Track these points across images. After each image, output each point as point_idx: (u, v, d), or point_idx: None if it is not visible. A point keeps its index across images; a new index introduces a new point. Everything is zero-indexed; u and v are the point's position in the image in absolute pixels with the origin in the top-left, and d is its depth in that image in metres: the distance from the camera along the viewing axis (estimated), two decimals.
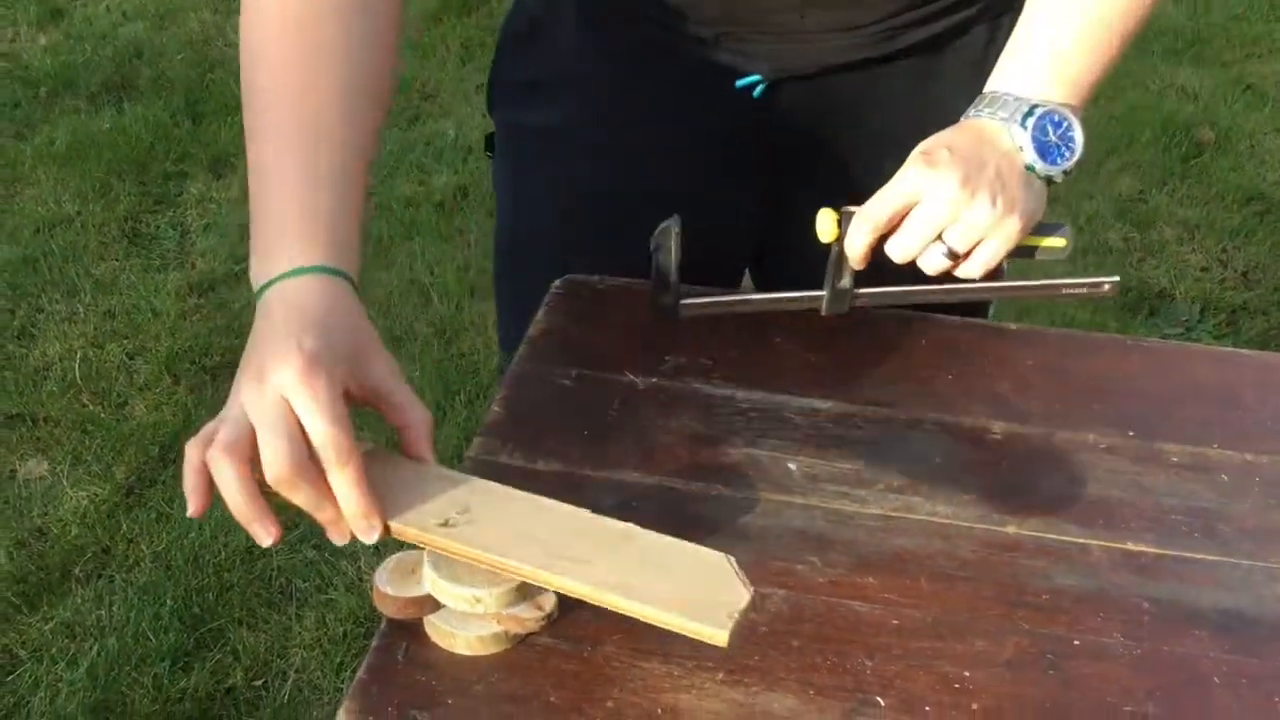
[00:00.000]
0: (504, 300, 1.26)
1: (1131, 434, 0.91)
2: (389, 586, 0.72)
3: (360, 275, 0.80)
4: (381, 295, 2.59)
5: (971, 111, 0.93)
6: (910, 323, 1.03)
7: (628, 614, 0.68)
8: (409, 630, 0.74)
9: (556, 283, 1.07)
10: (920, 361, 0.98)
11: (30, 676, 1.79)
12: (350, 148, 0.82)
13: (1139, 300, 2.67)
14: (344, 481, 0.69)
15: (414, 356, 2.43)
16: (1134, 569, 0.80)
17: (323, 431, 0.68)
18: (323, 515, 0.70)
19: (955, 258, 0.89)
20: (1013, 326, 1.03)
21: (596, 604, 0.69)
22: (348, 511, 0.69)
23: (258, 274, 0.77)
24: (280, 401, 0.68)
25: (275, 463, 0.67)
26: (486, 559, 0.69)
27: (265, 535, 0.69)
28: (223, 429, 0.69)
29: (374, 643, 0.73)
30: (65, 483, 2.12)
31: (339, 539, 0.71)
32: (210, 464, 0.68)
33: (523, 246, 1.20)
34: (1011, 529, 0.83)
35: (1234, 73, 3.57)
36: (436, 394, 2.33)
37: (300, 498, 0.69)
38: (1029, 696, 0.71)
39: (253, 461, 0.68)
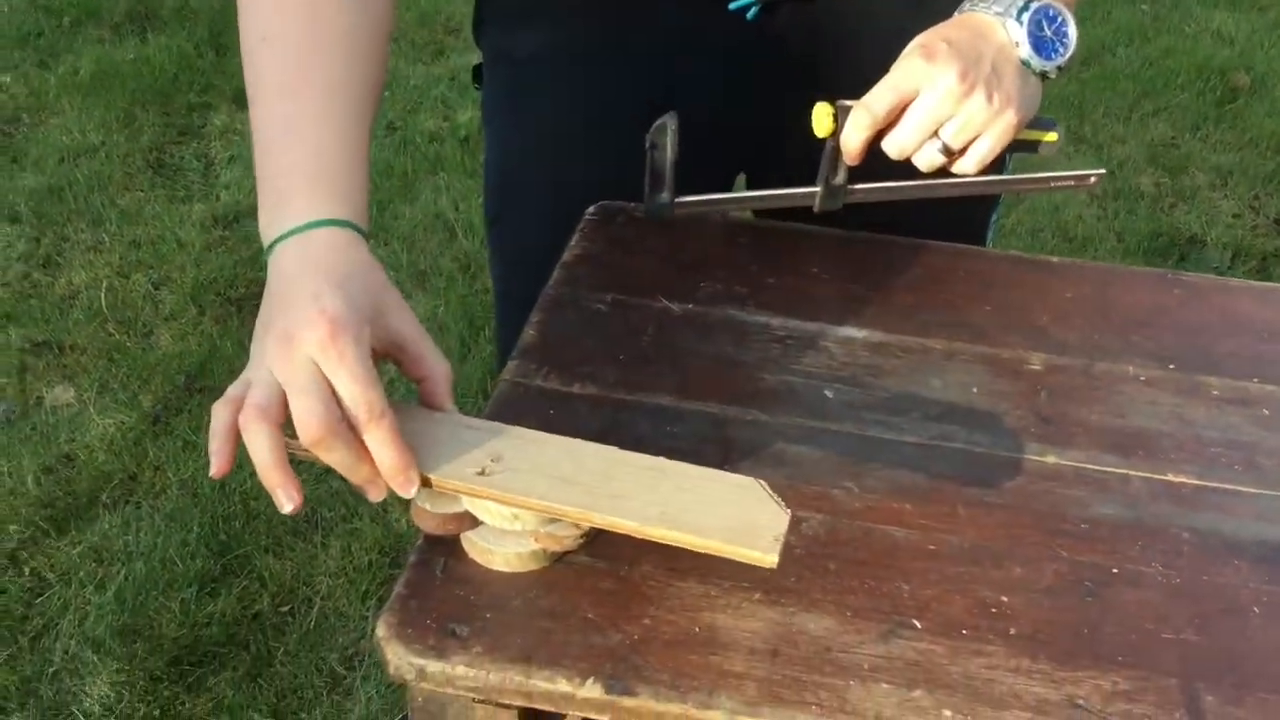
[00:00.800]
0: (500, 247, 1.21)
1: (1172, 367, 0.90)
2: (427, 503, 0.72)
3: (370, 225, 0.80)
4: (406, 229, 2.58)
5: (966, 5, 0.91)
6: (948, 255, 1.02)
7: (674, 544, 0.68)
8: (446, 546, 0.74)
9: (591, 209, 1.06)
10: (958, 293, 0.97)
11: (59, 599, 1.81)
12: (357, 103, 0.81)
13: (1169, 246, 2.64)
14: (379, 440, 0.68)
15: (439, 291, 2.43)
16: (1174, 500, 0.79)
17: (355, 392, 0.67)
18: (358, 475, 0.69)
19: (950, 154, 0.87)
20: (1053, 260, 1.02)
21: (642, 538, 0.68)
22: (384, 468, 0.69)
23: (268, 227, 0.75)
24: (309, 364, 0.67)
25: (310, 425, 0.66)
26: (530, 504, 0.69)
27: (287, 501, 0.68)
28: (253, 392, 0.68)
29: (411, 558, 0.73)
30: (92, 410, 2.14)
31: (376, 495, 0.70)
32: (243, 427, 0.67)
33: (514, 184, 1.18)
34: (1050, 459, 0.82)
35: (1271, 16, 3.51)
36: (461, 329, 2.33)
37: (335, 458, 0.68)
38: (1066, 622, 0.71)
39: (283, 425, 0.68)
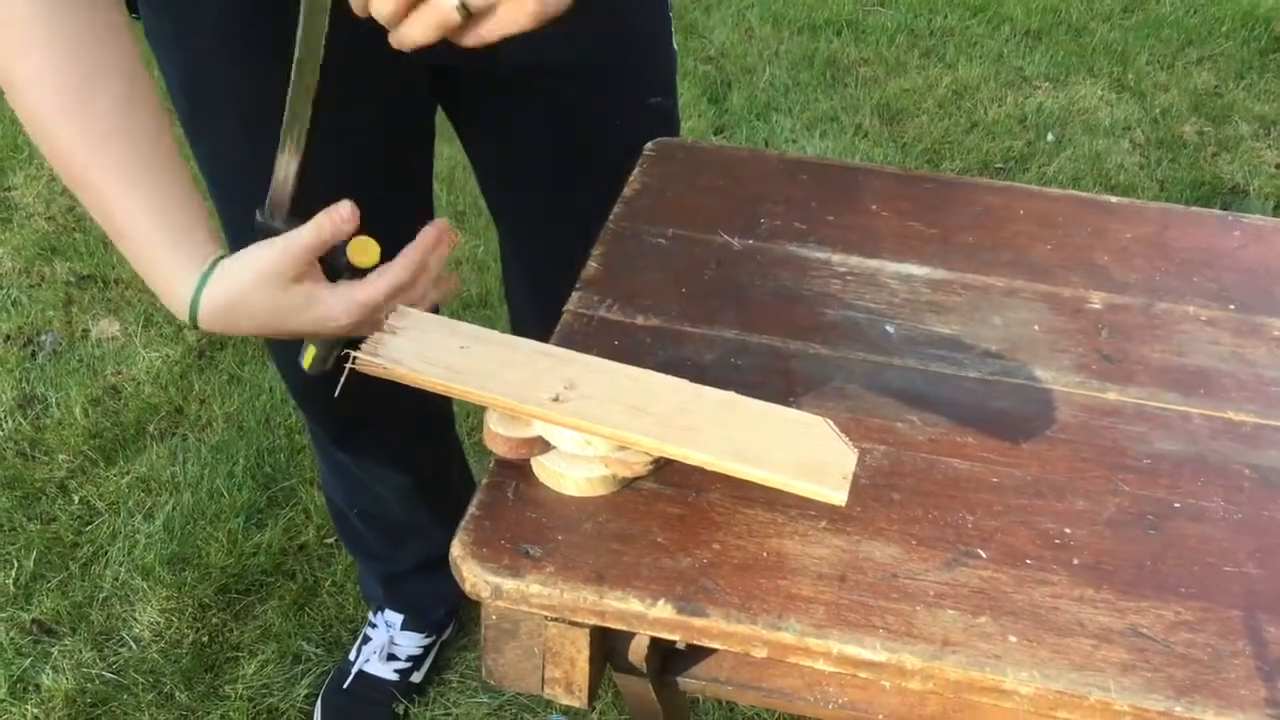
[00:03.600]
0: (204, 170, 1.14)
1: (1232, 307, 0.91)
2: (500, 426, 0.73)
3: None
4: (445, 169, 2.59)
5: None
6: (1007, 194, 1.02)
7: (743, 479, 0.69)
8: (518, 470, 0.75)
9: (649, 145, 1.06)
10: (1018, 232, 0.98)
11: (108, 528, 1.85)
12: (168, 160, 0.86)
13: (1211, 195, 2.62)
14: None
15: (478, 231, 2.44)
16: (1235, 437, 0.80)
17: None
18: None
19: (468, 14, 0.72)
20: (1112, 199, 1.02)
21: (712, 470, 0.70)
22: None
23: (179, 292, 0.85)
24: None
25: None
26: (604, 432, 0.70)
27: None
28: None
29: (483, 480, 0.75)
30: (137, 343, 2.16)
31: None
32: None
33: (203, 107, 1.07)
34: (1111, 395, 0.83)
35: None
36: (499, 269, 2.33)
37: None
38: (1129, 554, 0.72)
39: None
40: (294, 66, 0.80)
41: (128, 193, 0.83)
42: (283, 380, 1.32)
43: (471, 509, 0.73)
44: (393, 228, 0.86)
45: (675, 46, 1.18)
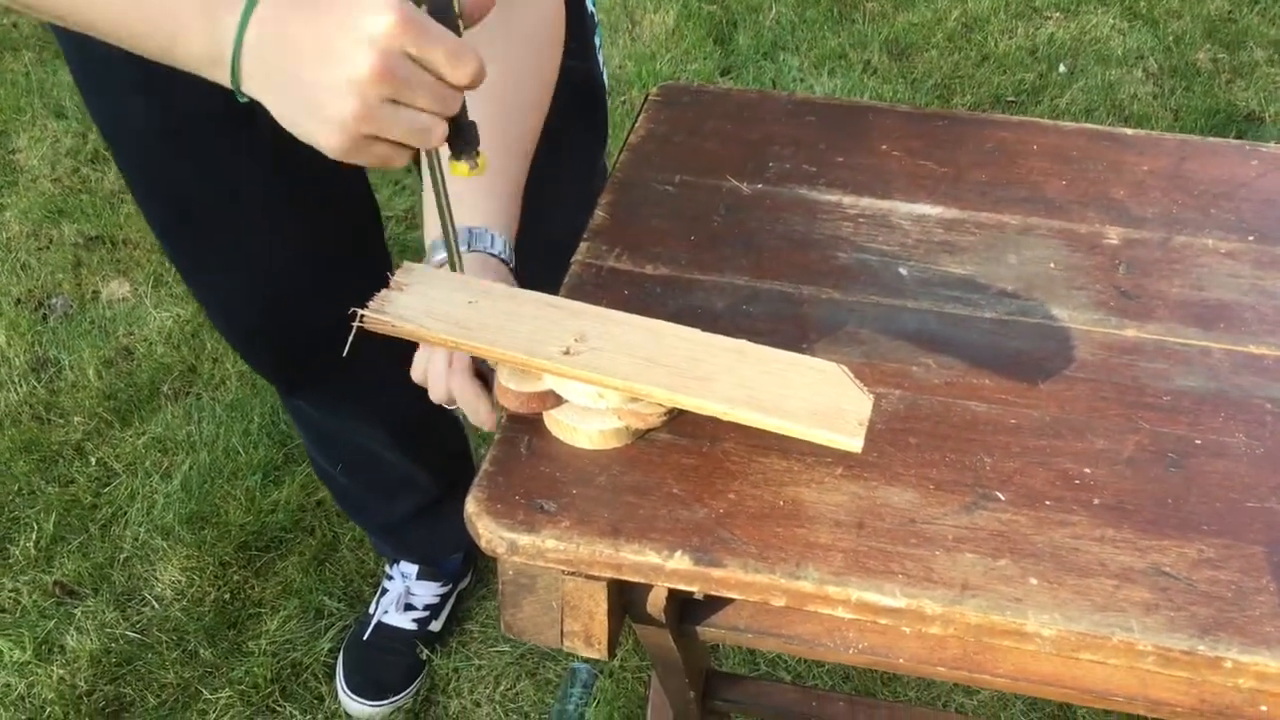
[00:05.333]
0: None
1: (1252, 238, 0.89)
2: (511, 381, 0.73)
3: None
4: None
5: None
6: (1019, 129, 1.00)
7: (759, 427, 0.68)
8: (530, 425, 0.74)
9: (654, 89, 1.05)
10: (1031, 168, 0.96)
11: (126, 489, 1.85)
12: None
13: (1226, 123, 2.58)
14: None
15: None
16: (1256, 371, 0.79)
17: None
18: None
19: None
20: (1127, 132, 1.00)
21: (727, 419, 0.69)
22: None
23: (214, 33, 0.66)
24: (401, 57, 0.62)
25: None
26: (616, 385, 0.69)
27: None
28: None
29: (496, 435, 0.74)
30: (148, 303, 2.16)
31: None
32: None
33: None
34: (1130, 332, 0.82)
35: None
36: None
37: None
38: (1151, 493, 0.71)
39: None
40: None
41: None
42: (224, 336, 1.28)
43: (485, 465, 0.72)
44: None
45: (593, 7, 1.14)
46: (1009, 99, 2.68)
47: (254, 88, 0.67)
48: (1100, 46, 2.83)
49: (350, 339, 0.70)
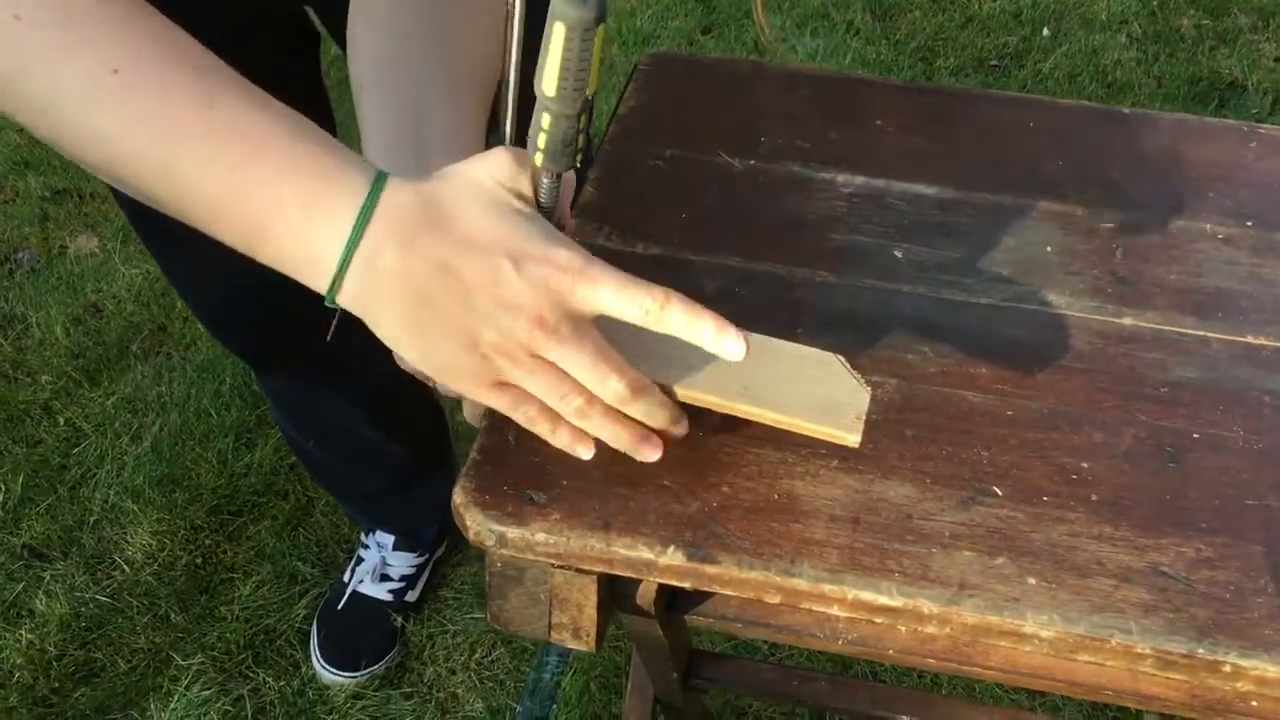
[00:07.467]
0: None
1: (1250, 224, 0.88)
2: None
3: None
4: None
5: None
6: (1016, 106, 0.98)
7: (754, 420, 0.67)
8: None
9: (643, 58, 1.02)
10: (1027, 146, 0.94)
11: (95, 450, 1.82)
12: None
13: (1209, 91, 2.57)
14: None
15: None
16: (1255, 362, 0.78)
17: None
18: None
19: None
20: (1125, 110, 0.98)
21: (721, 412, 0.67)
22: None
23: (309, 245, 0.58)
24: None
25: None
26: None
27: (654, 451, 0.69)
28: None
29: (483, 423, 0.72)
30: (116, 259, 2.12)
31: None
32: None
33: None
34: (1127, 320, 0.80)
35: None
36: None
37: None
38: (1148, 489, 0.70)
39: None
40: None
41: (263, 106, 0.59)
42: (195, 313, 1.25)
43: (472, 455, 0.70)
44: None
45: None
46: (992, 63, 2.65)
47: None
48: (1084, 10, 2.81)
49: (334, 324, 0.68)
